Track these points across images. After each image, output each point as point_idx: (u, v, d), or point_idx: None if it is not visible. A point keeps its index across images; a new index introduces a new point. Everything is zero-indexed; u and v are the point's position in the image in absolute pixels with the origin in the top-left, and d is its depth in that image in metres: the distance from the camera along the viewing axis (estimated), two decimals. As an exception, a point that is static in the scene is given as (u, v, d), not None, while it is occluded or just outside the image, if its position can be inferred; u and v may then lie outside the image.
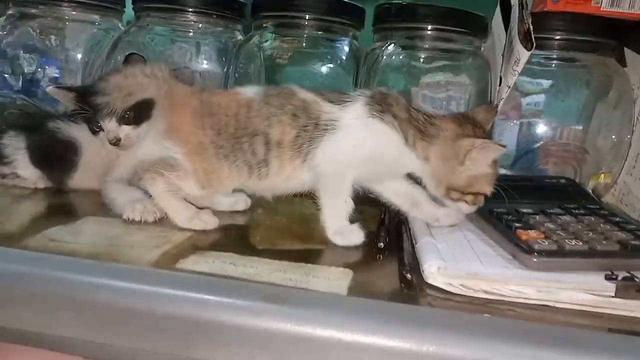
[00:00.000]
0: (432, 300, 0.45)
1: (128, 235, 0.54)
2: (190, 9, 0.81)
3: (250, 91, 0.60)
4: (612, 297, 0.44)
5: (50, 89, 0.65)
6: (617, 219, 0.57)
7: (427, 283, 0.46)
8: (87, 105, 0.62)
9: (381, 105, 0.58)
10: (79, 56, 0.87)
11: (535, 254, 0.47)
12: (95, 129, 0.63)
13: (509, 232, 0.52)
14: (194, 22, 0.83)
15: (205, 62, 0.85)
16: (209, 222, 0.57)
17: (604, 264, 0.48)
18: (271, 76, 0.81)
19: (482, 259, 0.49)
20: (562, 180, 0.62)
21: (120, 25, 0.90)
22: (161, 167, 0.58)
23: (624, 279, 0.46)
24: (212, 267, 0.45)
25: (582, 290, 0.44)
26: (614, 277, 0.46)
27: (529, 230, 0.52)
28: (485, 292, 0.44)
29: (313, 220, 0.58)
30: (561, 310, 0.44)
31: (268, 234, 0.58)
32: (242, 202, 0.65)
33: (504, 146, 0.57)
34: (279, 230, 0.61)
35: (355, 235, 0.56)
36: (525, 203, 0.60)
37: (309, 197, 0.60)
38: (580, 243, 0.49)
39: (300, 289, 0.42)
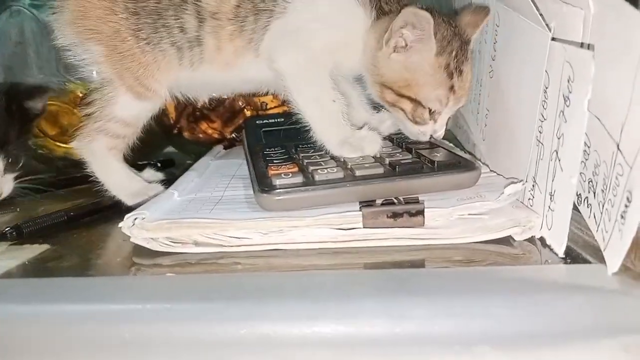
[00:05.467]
0: (136, 269, 0.36)
1: None
2: None
3: None
4: (362, 228, 0.37)
5: None
6: (416, 144, 0.49)
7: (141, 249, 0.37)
8: None
9: None
10: None
11: (277, 189, 0.39)
12: None
13: (264, 170, 0.43)
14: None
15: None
16: None
17: (367, 191, 0.40)
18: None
19: (220, 207, 0.40)
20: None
21: None
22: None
23: (383, 204, 0.38)
24: None
25: (324, 224, 0.36)
26: (370, 204, 0.38)
27: (284, 165, 0.43)
28: (198, 243, 0.36)
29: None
30: (299, 253, 0.36)
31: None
32: None
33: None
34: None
35: (369, 142, 0.45)
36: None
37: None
38: (335, 169, 0.41)
39: None
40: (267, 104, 0.67)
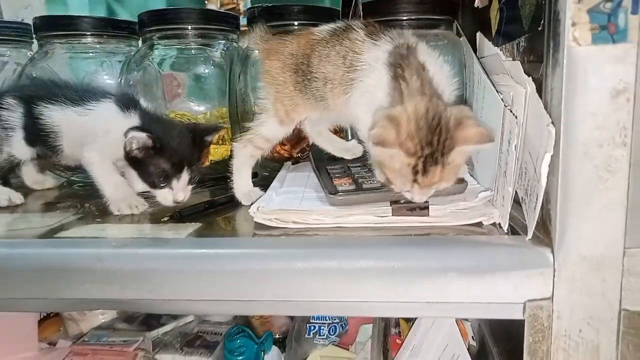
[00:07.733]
0: (257, 235, 0.62)
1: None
2: (87, 33, 0.98)
3: (322, 31, 0.71)
4: (391, 216, 0.62)
5: None
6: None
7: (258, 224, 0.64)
8: None
9: (396, 57, 0.63)
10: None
11: (339, 193, 0.65)
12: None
13: (330, 181, 0.69)
14: (91, 44, 1.00)
15: (106, 77, 1.02)
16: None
17: (394, 195, 0.65)
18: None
19: (304, 202, 0.67)
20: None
21: (29, 55, 1.06)
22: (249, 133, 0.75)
23: (405, 202, 0.63)
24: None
25: (368, 214, 0.62)
26: (396, 202, 0.63)
27: (343, 178, 0.69)
28: (295, 222, 0.62)
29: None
30: (354, 229, 0.61)
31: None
32: None
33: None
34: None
35: None
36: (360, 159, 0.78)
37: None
38: (375, 181, 0.67)
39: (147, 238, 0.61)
40: (324, 133, 0.93)
